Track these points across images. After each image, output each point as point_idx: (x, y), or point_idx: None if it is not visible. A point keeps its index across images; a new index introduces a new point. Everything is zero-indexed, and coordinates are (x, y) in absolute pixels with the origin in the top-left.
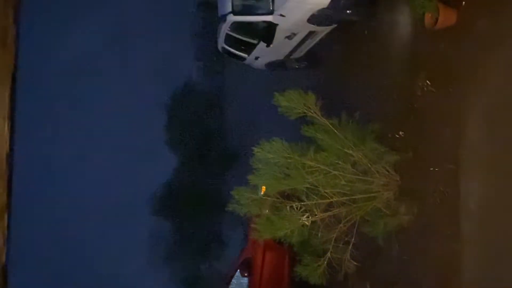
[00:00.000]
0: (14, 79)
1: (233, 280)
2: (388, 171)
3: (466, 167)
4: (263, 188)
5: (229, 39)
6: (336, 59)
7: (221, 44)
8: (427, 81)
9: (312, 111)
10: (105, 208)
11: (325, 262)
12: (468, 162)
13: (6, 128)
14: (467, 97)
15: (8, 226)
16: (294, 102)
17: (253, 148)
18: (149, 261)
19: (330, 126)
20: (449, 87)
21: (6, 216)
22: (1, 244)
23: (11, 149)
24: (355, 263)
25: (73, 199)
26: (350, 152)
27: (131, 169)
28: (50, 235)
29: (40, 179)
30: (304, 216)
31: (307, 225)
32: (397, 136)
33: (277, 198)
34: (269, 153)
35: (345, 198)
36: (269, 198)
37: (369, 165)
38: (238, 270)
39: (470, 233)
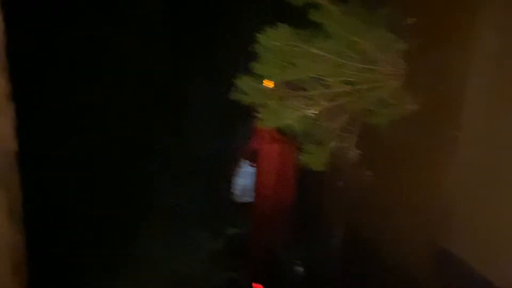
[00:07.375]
0: None
1: (241, 169)
2: (397, 60)
3: (478, 59)
4: (265, 81)
5: None
6: None
7: None
8: None
9: None
10: None
11: (328, 150)
12: (480, 58)
13: None
14: None
15: None
16: None
17: (257, 34)
18: None
19: (338, 11)
20: None
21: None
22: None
23: None
24: (357, 151)
25: None
26: (358, 40)
27: None
28: None
29: None
30: (309, 106)
31: (311, 115)
32: (409, 22)
33: (282, 88)
34: (275, 40)
35: (351, 88)
36: (273, 88)
37: (378, 54)
38: (245, 161)
39: (469, 118)
